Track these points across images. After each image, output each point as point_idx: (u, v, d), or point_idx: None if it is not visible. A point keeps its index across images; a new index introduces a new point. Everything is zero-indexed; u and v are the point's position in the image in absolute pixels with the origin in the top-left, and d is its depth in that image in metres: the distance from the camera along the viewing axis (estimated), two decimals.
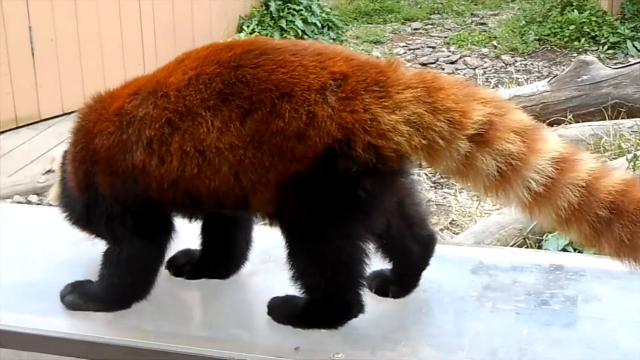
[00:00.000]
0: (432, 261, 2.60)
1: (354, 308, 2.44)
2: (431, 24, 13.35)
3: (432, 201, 6.78)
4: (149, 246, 2.61)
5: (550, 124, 7.71)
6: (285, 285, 2.49)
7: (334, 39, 12.32)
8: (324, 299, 2.43)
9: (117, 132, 2.48)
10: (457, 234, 6.21)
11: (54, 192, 2.83)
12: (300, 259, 2.40)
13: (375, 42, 12.33)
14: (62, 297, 2.66)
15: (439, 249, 2.62)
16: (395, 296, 2.60)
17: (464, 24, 13.21)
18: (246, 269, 2.77)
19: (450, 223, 6.49)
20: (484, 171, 2.23)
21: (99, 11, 9.40)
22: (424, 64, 11.23)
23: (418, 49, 12.05)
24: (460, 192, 6.91)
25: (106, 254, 2.64)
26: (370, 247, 2.42)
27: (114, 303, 2.64)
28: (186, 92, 2.37)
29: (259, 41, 2.44)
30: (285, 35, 11.87)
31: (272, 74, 2.30)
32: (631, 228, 2.12)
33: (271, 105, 2.27)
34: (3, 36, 8.52)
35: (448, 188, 7.01)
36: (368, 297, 2.47)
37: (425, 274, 2.63)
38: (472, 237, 5.75)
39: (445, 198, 6.85)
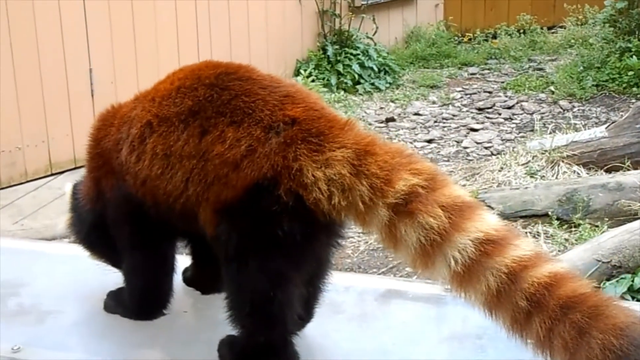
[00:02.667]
0: None
1: (282, 354, 2.45)
2: (488, 69, 13.31)
3: None
4: (150, 255, 2.73)
5: (608, 171, 7.63)
6: (337, 330, 2.48)
7: (390, 83, 12.34)
8: (249, 338, 2.45)
9: (116, 132, 2.68)
10: None
11: (65, 220, 2.96)
12: (227, 287, 2.47)
13: (431, 87, 12.32)
14: (105, 302, 2.90)
15: None
16: None
17: (521, 69, 13.15)
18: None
19: None
20: (405, 243, 2.20)
21: (158, 55, 9.54)
22: (480, 109, 11.19)
23: (475, 93, 12.02)
24: None
25: (124, 264, 2.81)
26: (298, 295, 2.43)
27: (135, 312, 2.81)
28: (167, 102, 2.53)
29: (243, 67, 2.59)
30: (342, 79, 11.92)
31: (234, 99, 2.42)
32: (548, 324, 2.06)
33: (221, 130, 2.38)
34: (64, 78, 8.66)
35: None
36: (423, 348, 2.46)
37: (481, 321, 2.60)
38: None
39: None
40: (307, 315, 2.69)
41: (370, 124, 10.70)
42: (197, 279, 3.00)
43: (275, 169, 2.29)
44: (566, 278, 2.10)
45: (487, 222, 2.19)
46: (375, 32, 12.82)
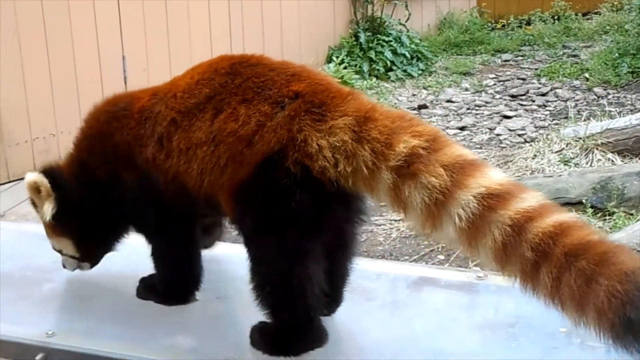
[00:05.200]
0: (520, 296, 2.55)
1: (312, 334, 2.51)
2: (522, 56, 13.22)
3: None
4: (175, 239, 2.80)
5: None
6: (369, 316, 2.48)
7: (422, 70, 12.29)
8: (275, 319, 2.50)
9: (137, 127, 2.71)
10: None
11: (48, 213, 2.89)
12: (250, 268, 2.52)
13: (464, 74, 12.26)
14: (137, 288, 2.94)
15: None
16: None
17: (555, 55, 13.05)
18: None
19: None
20: (412, 204, 2.24)
21: (190, 42, 9.57)
22: (514, 96, 11.11)
23: (508, 80, 11.94)
24: None
25: (151, 251, 2.86)
26: (318, 270, 2.46)
27: (167, 296, 2.87)
28: (187, 95, 2.60)
29: (255, 56, 2.66)
30: (374, 66, 11.89)
31: (245, 81, 2.50)
32: (554, 274, 2.05)
33: (233, 108, 2.46)
34: (97, 65, 8.71)
35: None
36: (455, 336, 2.45)
37: (513, 309, 2.60)
38: None
39: None
40: (336, 297, 2.71)
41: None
42: None
43: (282, 141, 2.36)
44: (573, 227, 2.10)
45: (490, 178, 2.21)
46: (408, 18, 12.77)
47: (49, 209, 2.88)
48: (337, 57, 11.74)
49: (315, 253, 2.46)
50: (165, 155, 2.62)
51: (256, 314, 2.59)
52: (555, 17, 14.42)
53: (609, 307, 1.95)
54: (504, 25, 14.57)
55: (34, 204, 2.97)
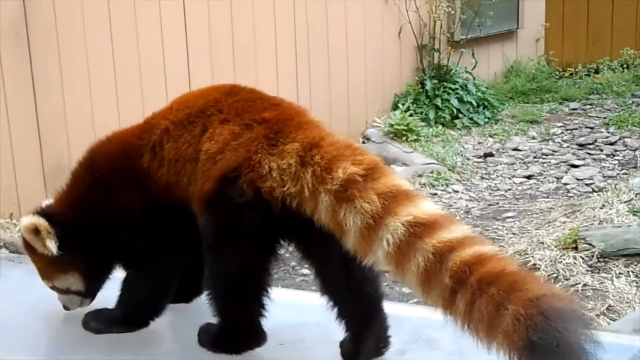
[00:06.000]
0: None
1: (252, 336, 2.72)
2: (590, 104, 13.09)
3: (588, 285, 6.56)
4: (170, 263, 2.94)
5: None
6: None
7: (489, 118, 12.23)
8: (222, 321, 2.71)
9: (136, 141, 2.87)
10: (615, 320, 5.99)
11: (52, 246, 2.94)
12: (206, 275, 2.72)
13: (531, 122, 12.16)
14: (85, 324, 3.00)
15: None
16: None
17: (624, 104, 12.89)
18: (395, 346, 2.74)
19: (607, 309, 6.26)
20: (347, 227, 2.40)
21: (257, 84, 9.64)
22: (581, 145, 10.99)
23: (576, 129, 11.82)
24: (618, 277, 6.68)
25: (128, 280, 2.99)
26: (265, 281, 2.68)
27: (135, 322, 2.98)
28: (183, 107, 2.79)
29: (252, 90, 2.88)
30: (440, 113, 11.87)
31: (235, 102, 2.72)
32: (468, 299, 2.20)
33: (214, 127, 2.66)
34: (162, 72, 8.78)
35: (605, 272, 6.78)
36: None
37: None
38: (630, 325, 5.54)
39: (602, 283, 6.62)
40: (379, 321, 2.81)
41: (468, 159, 10.62)
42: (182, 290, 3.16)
43: (239, 160, 2.56)
44: (491, 258, 2.25)
45: (420, 208, 2.38)
46: (475, 66, 12.76)
47: (51, 244, 2.94)
48: (403, 104, 11.75)
49: (265, 265, 2.67)
50: (158, 163, 2.79)
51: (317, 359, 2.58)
52: (625, 66, 14.27)
53: (514, 331, 2.10)
54: (572, 74, 14.47)
55: (30, 250, 3.02)
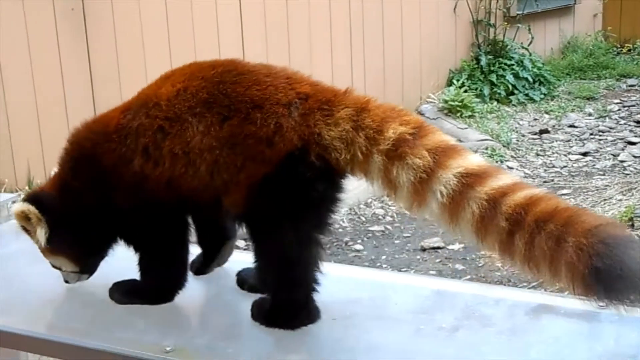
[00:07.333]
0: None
1: (307, 312, 2.74)
2: None
3: None
4: (169, 243, 2.97)
5: None
6: (486, 343, 2.45)
7: (545, 94, 12.12)
8: (276, 297, 2.74)
9: (118, 147, 2.82)
10: None
11: (42, 237, 2.96)
12: (261, 256, 2.73)
13: (588, 98, 12.04)
14: (111, 294, 3.01)
15: None
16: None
17: None
18: (447, 323, 2.74)
19: None
20: (400, 184, 2.51)
21: (310, 60, 9.67)
22: (638, 122, 10.85)
23: (633, 106, 11.67)
24: None
25: (139, 257, 2.99)
26: (319, 255, 2.72)
27: (156, 296, 2.99)
28: (176, 101, 2.74)
29: (236, 63, 2.85)
30: (495, 89, 11.79)
31: (248, 89, 2.70)
32: (527, 239, 2.31)
33: (246, 113, 2.65)
34: None
35: None
36: None
37: (636, 340, 2.52)
38: None
39: None
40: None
41: (523, 136, 10.54)
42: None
43: (303, 138, 2.60)
44: (542, 198, 2.36)
45: (469, 160, 2.49)
46: (531, 42, 12.63)
47: (42, 233, 2.96)
48: (458, 80, 11.69)
49: (319, 240, 2.73)
50: (153, 163, 2.76)
51: (371, 335, 2.60)
52: None
53: (578, 261, 2.23)
54: (629, 50, 14.28)
55: (26, 230, 3.03)
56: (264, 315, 2.78)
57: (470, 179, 2.42)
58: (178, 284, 3.00)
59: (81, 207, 2.95)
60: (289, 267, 2.70)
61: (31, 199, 3.01)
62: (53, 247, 3.01)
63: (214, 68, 2.81)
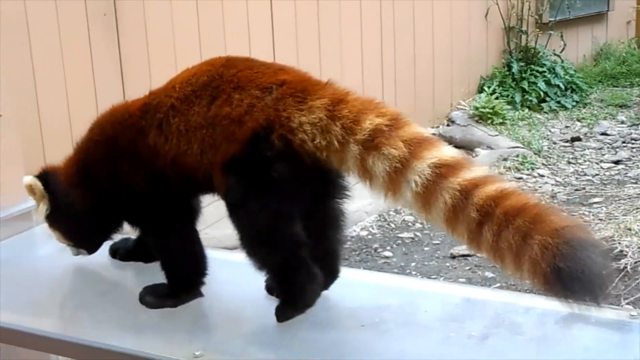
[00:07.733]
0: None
1: (300, 269, 2.78)
2: None
3: None
4: (181, 230, 3.10)
5: None
6: (516, 351, 2.44)
7: (577, 102, 12.06)
8: (268, 266, 2.82)
9: (138, 122, 2.99)
10: None
11: (42, 212, 3.25)
12: (238, 232, 2.82)
13: (620, 106, 11.96)
14: (141, 299, 3.07)
15: None
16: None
17: None
18: (477, 331, 2.73)
19: None
20: (375, 173, 2.57)
21: (342, 71, 9.68)
22: None
23: None
24: None
25: (156, 247, 3.14)
26: (297, 229, 2.78)
27: (183, 293, 3.07)
28: (186, 84, 2.91)
29: (248, 58, 2.98)
30: (526, 96, 11.74)
31: (240, 72, 2.84)
32: (495, 230, 2.37)
33: (228, 94, 2.79)
34: None
35: None
36: None
37: None
38: None
39: None
40: (332, 272, 2.99)
41: (554, 143, 10.49)
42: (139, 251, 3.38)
43: (269, 119, 2.70)
44: (512, 193, 2.43)
45: (443, 151, 2.55)
46: (563, 49, 12.58)
47: (43, 209, 3.24)
48: (489, 87, 11.66)
49: (294, 216, 2.78)
50: (164, 138, 2.90)
51: (400, 342, 2.59)
52: None
53: (542, 258, 2.30)
54: None
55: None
56: (280, 312, 2.83)
57: (443, 170, 2.49)
58: (198, 265, 3.09)
59: (90, 189, 3.13)
60: (266, 236, 2.78)
61: (40, 175, 3.26)
62: (51, 222, 3.28)
63: (227, 59, 2.97)
